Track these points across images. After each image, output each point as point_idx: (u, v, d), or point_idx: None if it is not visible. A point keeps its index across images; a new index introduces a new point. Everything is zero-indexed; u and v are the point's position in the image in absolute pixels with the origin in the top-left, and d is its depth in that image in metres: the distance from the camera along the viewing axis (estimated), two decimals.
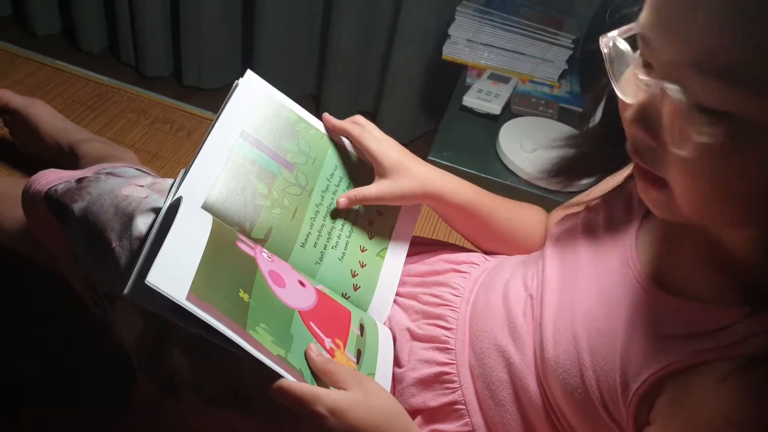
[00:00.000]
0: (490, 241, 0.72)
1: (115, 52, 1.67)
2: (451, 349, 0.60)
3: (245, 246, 0.58)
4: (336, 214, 0.69)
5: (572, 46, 1.30)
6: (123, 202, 0.60)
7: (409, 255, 0.74)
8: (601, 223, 0.59)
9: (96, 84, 1.35)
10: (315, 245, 0.66)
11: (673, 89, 0.36)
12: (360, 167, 0.72)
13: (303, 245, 0.65)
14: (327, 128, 0.72)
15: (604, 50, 0.42)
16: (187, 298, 0.47)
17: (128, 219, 0.59)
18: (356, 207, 0.70)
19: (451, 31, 1.34)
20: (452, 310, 0.63)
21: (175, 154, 1.22)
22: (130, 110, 1.29)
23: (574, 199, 0.72)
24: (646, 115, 0.40)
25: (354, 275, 0.67)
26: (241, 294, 0.52)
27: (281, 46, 1.54)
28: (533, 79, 1.36)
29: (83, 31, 1.64)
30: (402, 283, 0.70)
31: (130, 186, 0.63)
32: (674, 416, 0.44)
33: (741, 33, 0.33)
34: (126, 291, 0.50)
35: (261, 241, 0.62)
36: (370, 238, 0.70)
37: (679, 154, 0.38)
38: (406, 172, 0.66)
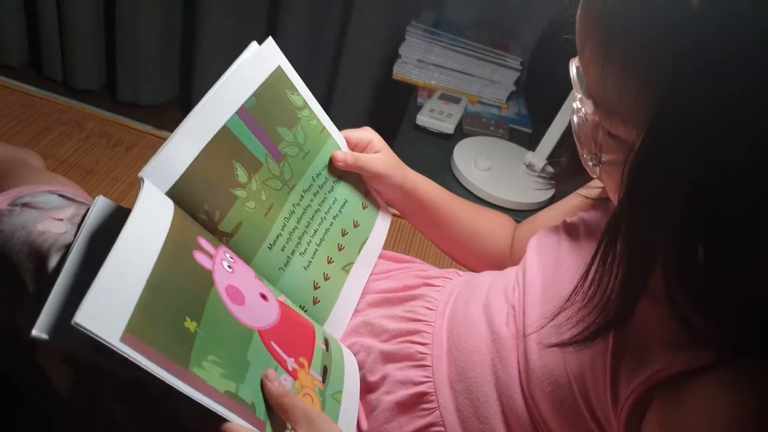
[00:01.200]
0: (455, 242, 0.73)
1: (37, 66, 1.56)
2: (428, 365, 0.58)
3: (203, 256, 0.52)
4: (312, 216, 0.64)
5: (520, 67, 1.33)
6: (38, 240, 0.56)
7: (380, 272, 0.71)
8: (585, 234, 0.59)
9: (22, 94, 1.24)
10: (283, 249, 0.61)
11: (583, 113, 0.44)
12: (350, 174, 0.69)
13: (270, 247, 0.60)
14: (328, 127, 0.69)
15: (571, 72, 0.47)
16: (122, 339, 0.41)
17: (43, 258, 0.55)
18: (335, 211, 0.67)
19: (402, 50, 1.35)
20: (427, 324, 0.61)
21: (112, 170, 1.13)
22: (61, 123, 1.20)
23: (539, 214, 0.73)
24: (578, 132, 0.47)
25: (316, 287, 0.64)
26: (187, 324, 0.47)
27: (222, 63, 1.48)
28: (482, 101, 1.38)
29: (0, 43, 1.51)
30: (373, 302, 0.67)
31: (46, 220, 0.58)
32: (666, 426, 0.43)
33: (607, 71, 0.40)
34: (34, 332, 0.44)
35: (227, 236, 0.57)
36: (340, 250, 0.67)
37: (592, 168, 0.46)
38: (392, 154, 0.71)
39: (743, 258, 0.38)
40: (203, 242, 0.53)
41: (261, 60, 0.61)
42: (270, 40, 0.62)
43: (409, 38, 1.34)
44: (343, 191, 0.68)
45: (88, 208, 0.56)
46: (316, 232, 0.65)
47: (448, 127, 1.27)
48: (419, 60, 1.35)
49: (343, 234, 0.67)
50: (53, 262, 0.55)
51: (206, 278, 0.51)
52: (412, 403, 0.57)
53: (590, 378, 0.48)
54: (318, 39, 1.46)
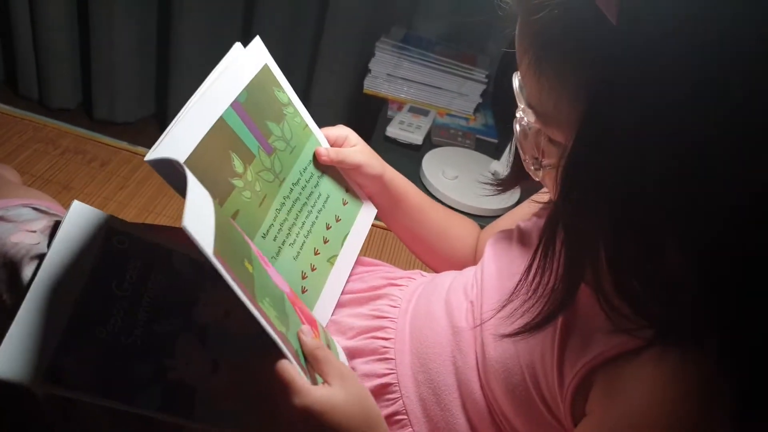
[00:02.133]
0: (423, 240, 0.76)
1: (13, 84, 1.57)
2: (391, 358, 0.61)
3: (233, 221, 0.56)
4: (300, 209, 0.67)
5: (486, 80, 1.38)
6: (11, 251, 0.57)
7: (349, 275, 0.74)
8: (536, 232, 0.62)
9: None
10: (275, 239, 0.63)
11: (525, 121, 0.48)
12: (332, 170, 0.72)
13: (264, 236, 0.62)
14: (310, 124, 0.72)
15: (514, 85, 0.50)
16: (214, 254, 0.43)
17: (16, 268, 0.56)
18: (320, 205, 0.70)
19: (372, 65, 1.39)
20: (391, 321, 0.64)
21: (88, 186, 1.15)
22: (36, 140, 1.21)
23: (499, 219, 0.77)
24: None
25: (304, 277, 0.66)
26: (246, 264, 0.50)
27: (198, 79, 1.51)
28: (450, 113, 1.42)
29: None
30: (341, 302, 0.70)
31: (20, 232, 0.60)
32: (606, 406, 0.46)
33: (542, 82, 0.43)
34: None
35: None
36: (325, 243, 0.69)
37: (535, 172, 0.49)
38: (368, 147, 0.74)
39: (662, 251, 0.41)
40: None
41: (251, 56, 0.64)
42: (258, 39, 0.65)
43: (379, 53, 1.38)
44: (326, 187, 0.71)
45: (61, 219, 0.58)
46: (303, 224, 0.67)
47: (417, 138, 1.31)
48: (389, 74, 1.39)
49: (328, 227, 0.70)
50: (27, 271, 0.56)
51: (243, 237, 0.54)
52: (377, 394, 0.59)
53: (540, 365, 0.51)
54: (291, 56, 1.49)
